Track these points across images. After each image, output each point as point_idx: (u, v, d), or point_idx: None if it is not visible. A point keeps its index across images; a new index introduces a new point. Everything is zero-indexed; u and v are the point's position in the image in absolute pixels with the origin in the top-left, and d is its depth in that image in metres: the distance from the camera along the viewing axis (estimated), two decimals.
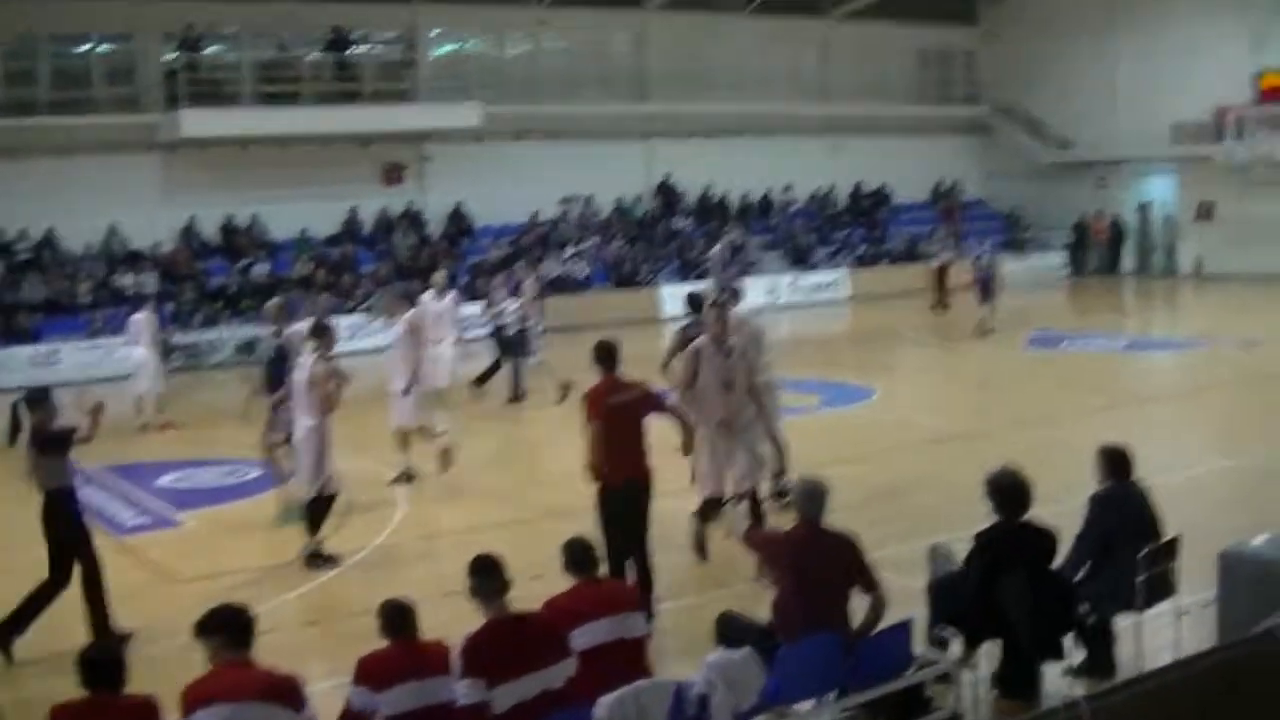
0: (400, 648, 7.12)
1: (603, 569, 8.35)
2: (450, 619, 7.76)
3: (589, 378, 10.88)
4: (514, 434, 21.09)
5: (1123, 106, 41.62)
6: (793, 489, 8.90)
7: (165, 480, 17.51)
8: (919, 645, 8.17)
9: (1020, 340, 28.18)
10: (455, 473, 16.44)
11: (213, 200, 33.03)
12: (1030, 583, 8.28)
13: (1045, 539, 8.59)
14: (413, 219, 36.08)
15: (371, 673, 6.97)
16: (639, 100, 40.08)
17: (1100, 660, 8.77)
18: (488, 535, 12.85)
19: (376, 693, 6.90)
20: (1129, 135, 40.90)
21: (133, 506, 15.97)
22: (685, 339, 13.28)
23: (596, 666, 7.32)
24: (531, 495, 16.00)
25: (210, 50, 33.29)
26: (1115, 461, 9.26)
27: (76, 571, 10.65)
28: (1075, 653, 8.72)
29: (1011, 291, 32.01)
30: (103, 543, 11.41)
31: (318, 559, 12.82)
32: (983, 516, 8.70)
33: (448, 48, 38.16)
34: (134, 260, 31.79)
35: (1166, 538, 9.00)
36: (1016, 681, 8.34)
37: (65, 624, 10.43)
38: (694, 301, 14.99)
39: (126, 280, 30.93)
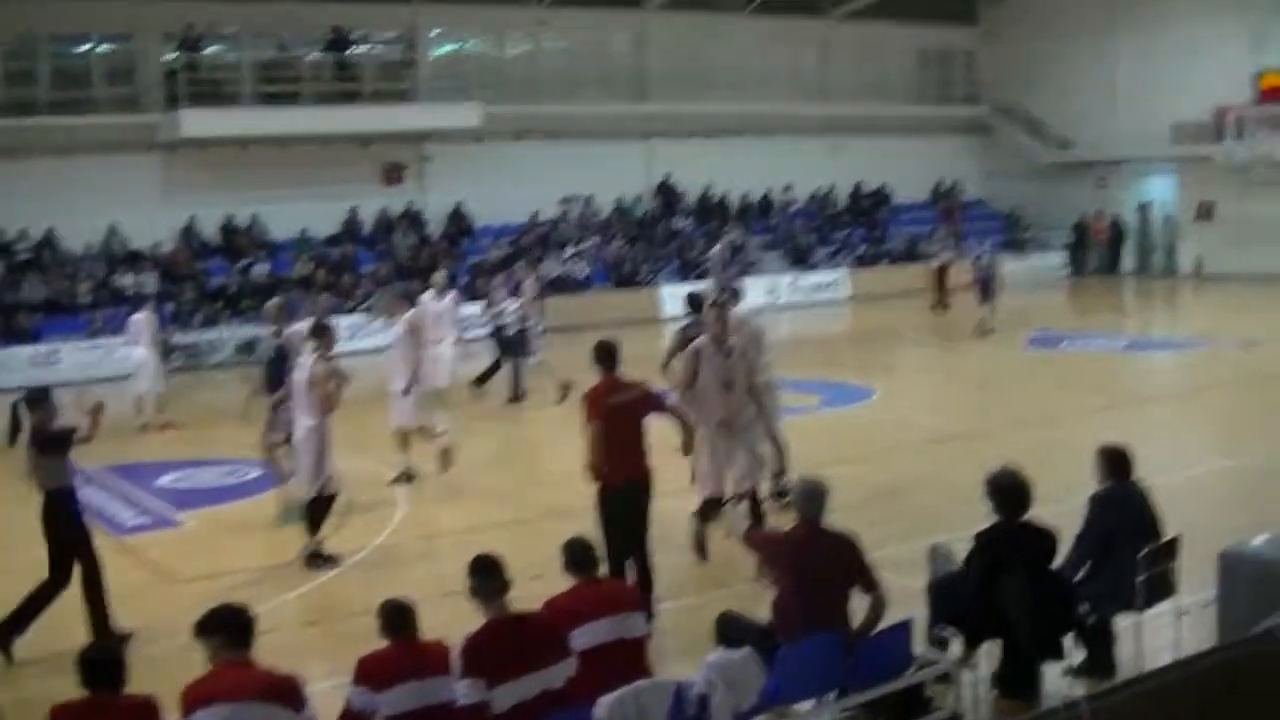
0: (400, 648, 7.12)
1: (603, 569, 8.36)
2: (450, 619, 7.76)
3: (589, 378, 10.87)
4: (514, 434, 21.10)
5: (1123, 106, 41.65)
6: (793, 489, 8.91)
7: (165, 480, 17.51)
8: (919, 645, 8.17)
9: (1020, 340, 28.18)
10: (456, 473, 16.44)
11: (213, 200, 33.04)
12: (1030, 583, 8.28)
13: (1045, 539, 8.59)
14: (413, 219, 36.08)
15: (371, 673, 6.97)
16: (639, 100, 40.09)
17: (1100, 660, 8.77)
18: (488, 535, 12.86)
19: (376, 693, 6.90)
20: (1129, 135, 40.92)
21: (133, 506, 15.97)
22: (685, 339, 13.28)
23: (596, 666, 7.32)
24: (531, 495, 16.00)
25: (210, 50, 33.29)
26: (1115, 461, 9.26)
27: (76, 571, 10.65)
28: (1075, 653, 8.72)
29: (1011, 291, 32.02)
30: (103, 543, 11.42)
31: (318, 559, 12.83)
32: (983, 516, 8.71)
33: (448, 48, 38.17)
34: (134, 260, 31.80)
35: (1166, 538, 9.00)
36: (1017, 681, 8.35)
37: (65, 624, 10.43)
38: (694, 301, 14.99)
39: (126, 280, 30.94)
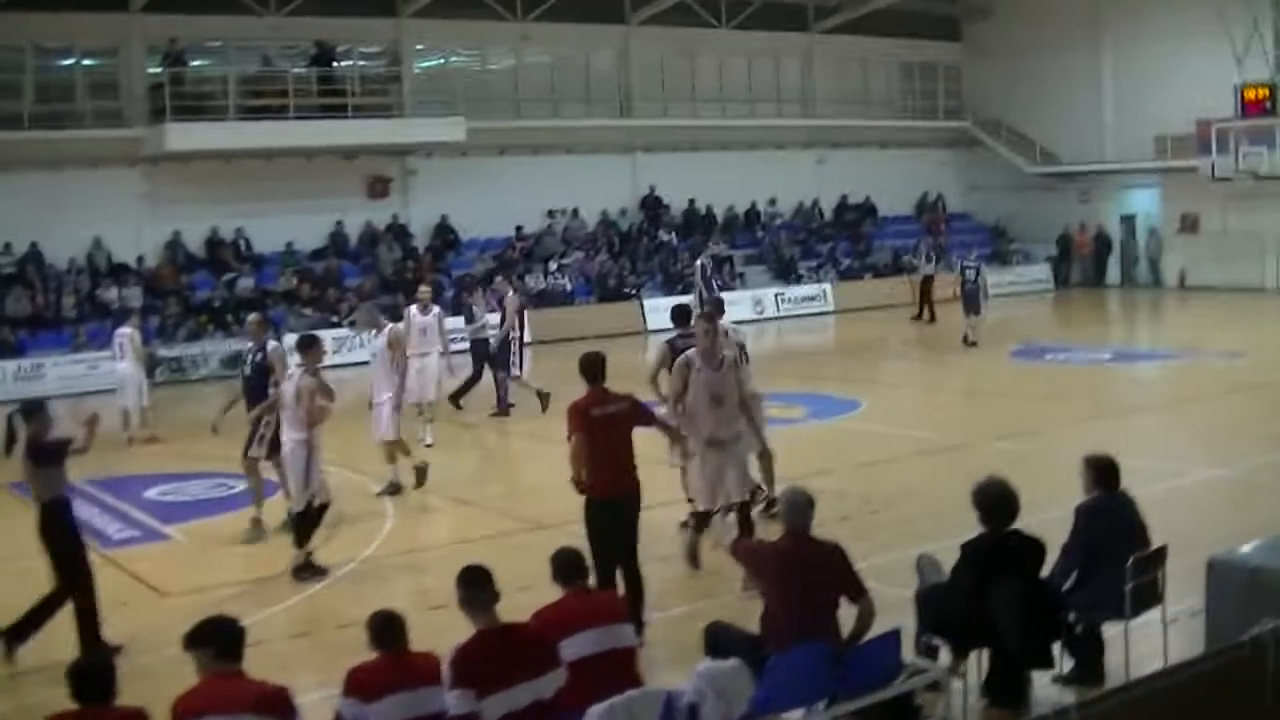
0: (390, 659, 7.11)
1: (591, 580, 8.36)
2: (439, 630, 7.76)
3: (574, 390, 10.86)
4: (501, 446, 21.11)
5: (1106, 119, 41.94)
6: (779, 500, 8.92)
7: (152, 493, 17.47)
8: (908, 654, 8.18)
9: (1005, 352, 28.26)
10: (443, 485, 16.48)
11: (198, 214, 33.01)
12: (1018, 592, 8.31)
13: (1033, 548, 8.63)
14: (398, 232, 36.06)
15: (361, 684, 6.96)
16: (622, 114, 40.17)
17: (1089, 668, 8.79)
18: (476, 547, 12.89)
19: (366, 704, 6.88)
20: (1112, 148, 41.11)
21: (120, 520, 15.93)
22: (673, 352, 13.26)
23: (586, 677, 7.30)
24: (519, 507, 15.98)
25: (195, 64, 33.27)
26: (1102, 471, 9.29)
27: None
28: (1064, 661, 8.75)
29: (996, 304, 32.10)
30: (90, 556, 11.37)
31: (306, 570, 12.81)
32: (970, 526, 8.74)
33: (432, 62, 38.17)
34: (119, 274, 31.75)
35: (1154, 546, 9.03)
36: (1006, 690, 8.38)
37: (62, 634, 10.41)
38: (679, 314, 14.97)
39: (111, 294, 30.90)
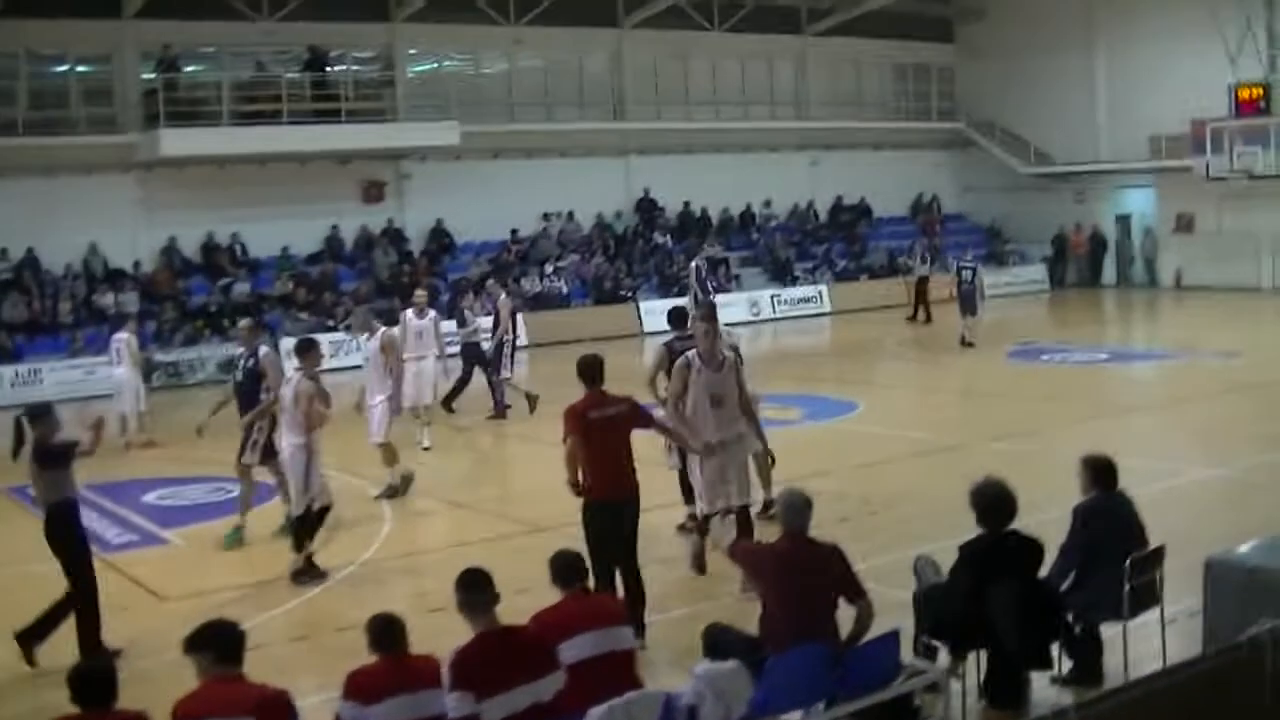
0: (389, 662, 7.10)
1: (590, 583, 8.36)
2: (439, 632, 7.76)
3: (571, 393, 10.85)
4: (498, 449, 21.12)
5: (1100, 120, 41.97)
6: (777, 501, 8.91)
7: (151, 498, 17.49)
8: (907, 655, 8.19)
9: (1001, 353, 28.28)
10: (440, 488, 16.50)
11: (193, 219, 32.99)
12: (1016, 593, 8.32)
13: (1031, 549, 8.64)
14: (393, 236, 36.06)
15: (361, 687, 6.95)
16: (616, 117, 40.17)
17: (1087, 669, 8.80)
18: (474, 549, 12.90)
19: (366, 707, 6.87)
20: (1107, 148, 41.12)
21: (119, 524, 15.92)
22: (670, 354, 13.25)
23: (585, 679, 7.30)
24: (516, 509, 15.99)
25: (189, 70, 33.27)
26: (1099, 472, 9.29)
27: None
28: (1062, 662, 8.76)
29: (992, 304, 32.12)
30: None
31: (305, 574, 12.81)
32: (968, 527, 8.74)
33: (425, 67, 38.17)
34: (115, 279, 31.74)
35: (1151, 547, 9.04)
36: (1004, 690, 8.39)
37: (63, 638, 10.42)
38: (676, 317, 14.97)
39: (107, 300, 30.88)
